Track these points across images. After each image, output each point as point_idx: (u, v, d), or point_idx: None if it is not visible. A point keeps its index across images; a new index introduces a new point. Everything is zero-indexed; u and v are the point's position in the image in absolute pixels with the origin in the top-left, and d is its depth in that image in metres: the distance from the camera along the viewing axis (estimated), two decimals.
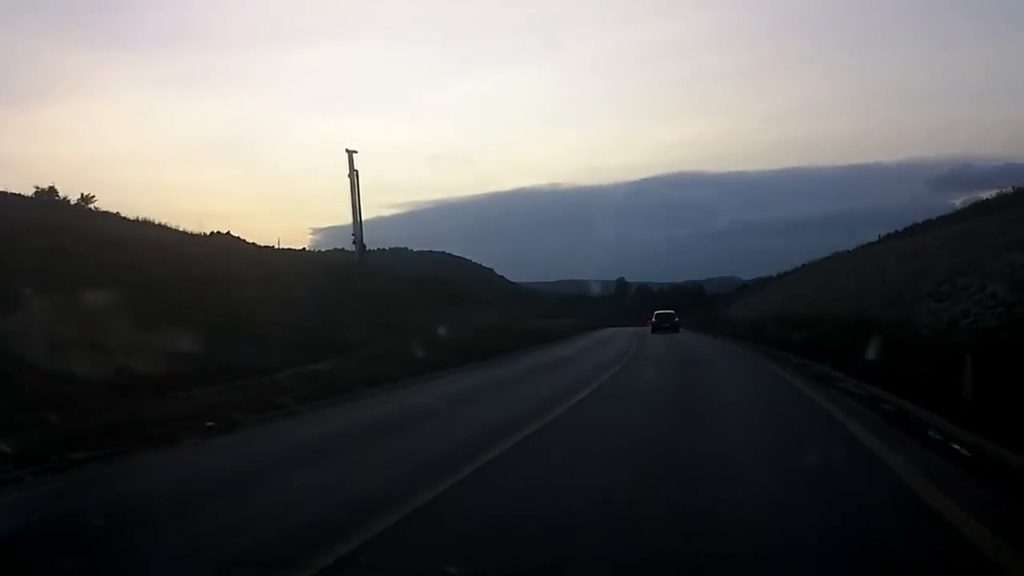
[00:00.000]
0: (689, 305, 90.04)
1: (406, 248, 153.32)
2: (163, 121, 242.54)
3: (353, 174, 60.26)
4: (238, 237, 61.24)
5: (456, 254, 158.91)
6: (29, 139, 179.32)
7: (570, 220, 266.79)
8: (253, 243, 62.43)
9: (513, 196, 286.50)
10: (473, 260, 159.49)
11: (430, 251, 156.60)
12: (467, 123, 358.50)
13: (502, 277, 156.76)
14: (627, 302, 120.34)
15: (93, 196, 51.78)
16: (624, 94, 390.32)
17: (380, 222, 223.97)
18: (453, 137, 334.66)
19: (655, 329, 58.90)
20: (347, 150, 60.27)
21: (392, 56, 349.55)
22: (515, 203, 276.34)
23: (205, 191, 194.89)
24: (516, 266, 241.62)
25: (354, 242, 60.89)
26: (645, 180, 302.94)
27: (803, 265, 56.89)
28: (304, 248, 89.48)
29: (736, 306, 62.78)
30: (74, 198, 50.79)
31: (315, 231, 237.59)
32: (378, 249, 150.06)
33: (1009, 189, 45.28)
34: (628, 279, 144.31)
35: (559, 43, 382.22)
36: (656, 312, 62.82)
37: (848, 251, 55.81)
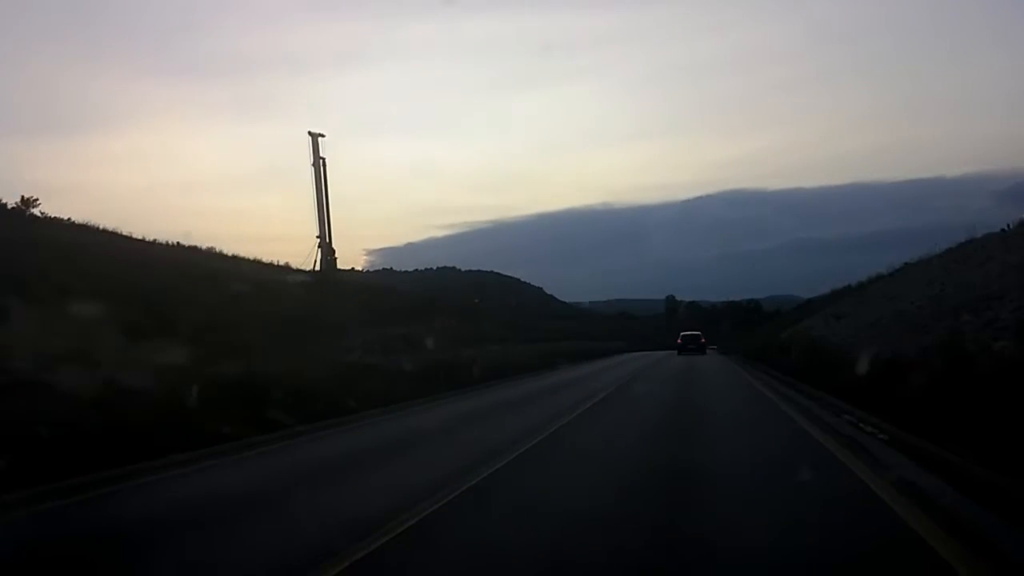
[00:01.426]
0: (744, 324, 74.38)
1: (454, 268, 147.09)
2: (217, 147, 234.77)
3: (319, 162, 46.26)
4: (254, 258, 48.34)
5: (505, 274, 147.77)
6: (79, 167, 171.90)
7: (621, 239, 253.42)
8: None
9: (564, 216, 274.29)
10: (522, 279, 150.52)
11: (478, 270, 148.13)
12: (519, 144, 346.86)
13: (552, 296, 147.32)
14: (676, 321, 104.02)
15: (36, 199, 41.38)
16: (677, 111, 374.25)
17: (432, 243, 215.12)
18: (505, 158, 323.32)
19: (681, 350, 54.90)
20: (310, 132, 46.38)
21: (443, 78, 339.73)
22: (566, 223, 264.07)
23: (263, 215, 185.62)
24: (566, 286, 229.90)
25: (319, 246, 46.49)
26: (699, 198, 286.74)
27: (873, 279, 40.30)
28: (352, 268, 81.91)
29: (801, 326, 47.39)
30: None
31: (369, 252, 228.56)
32: (425, 269, 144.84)
33: None
34: (679, 297, 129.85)
35: (611, 61, 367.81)
36: (682, 333, 59.20)
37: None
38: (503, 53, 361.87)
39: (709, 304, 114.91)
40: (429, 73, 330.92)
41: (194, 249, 48.87)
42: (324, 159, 46.55)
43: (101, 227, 42.68)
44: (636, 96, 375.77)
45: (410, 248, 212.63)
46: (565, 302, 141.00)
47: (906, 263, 33.37)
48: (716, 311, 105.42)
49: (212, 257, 48.00)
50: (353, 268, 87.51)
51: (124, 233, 45.88)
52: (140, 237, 46.15)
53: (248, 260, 49.23)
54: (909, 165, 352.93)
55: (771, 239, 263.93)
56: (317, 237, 46.45)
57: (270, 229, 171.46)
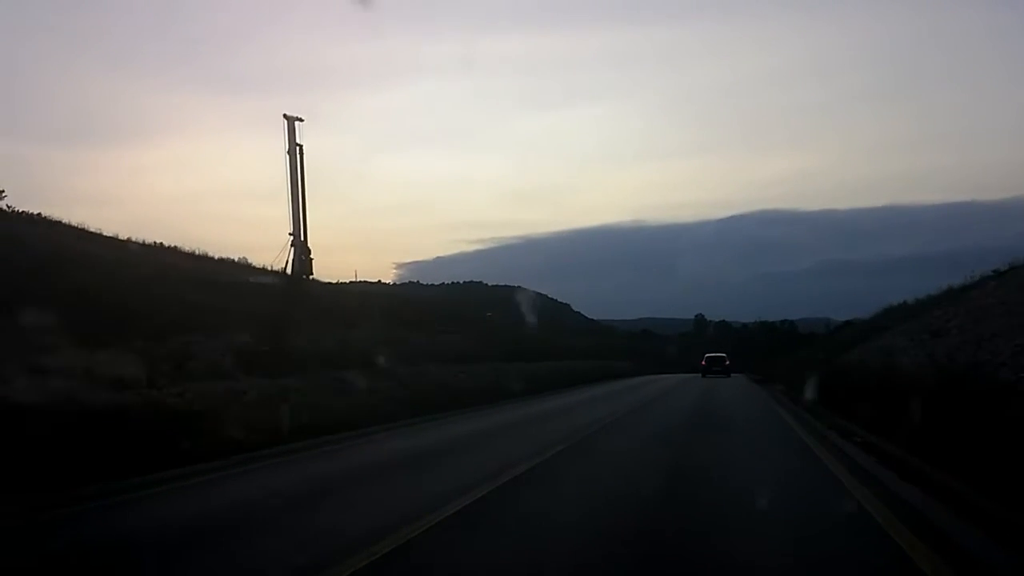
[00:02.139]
0: (777, 346, 66.21)
1: (481, 282, 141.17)
2: (253, 160, 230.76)
3: (295, 149, 39.23)
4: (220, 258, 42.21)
5: (533, 289, 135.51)
6: (125, 178, 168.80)
7: (652, 257, 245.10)
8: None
9: (595, 233, 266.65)
10: (549, 295, 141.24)
11: (505, 285, 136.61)
12: (551, 159, 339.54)
13: (579, 313, 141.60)
14: (705, 340, 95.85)
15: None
16: (712, 130, 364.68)
17: (462, 257, 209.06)
18: (537, 174, 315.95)
19: (705, 373, 52.16)
20: (285, 115, 39.29)
21: (476, 92, 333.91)
22: (597, 240, 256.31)
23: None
24: (595, 303, 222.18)
25: (291, 244, 39.33)
26: (731, 218, 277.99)
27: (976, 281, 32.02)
28: (379, 281, 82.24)
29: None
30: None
31: (398, 266, 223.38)
32: (451, 283, 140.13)
33: None
34: (708, 317, 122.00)
35: (646, 78, 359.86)
36: (707, 355, 55.66)
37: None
38: (537, 68, 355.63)
39: (740, 324, 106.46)
40: (463, 88, 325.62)
41: (163, 248, 42.36)
42: (301, 146, 39.44)
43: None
44: (671, 114, 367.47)
45: (439, 262, 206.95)
46: (592, 319, 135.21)
47: (1011, 265, 25.13)
48: (747, 332, 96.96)
49: (173, 254, 41.31)
50: (380, 280, 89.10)
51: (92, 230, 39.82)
52: (113, 236, 39.88)
53: (213, 259, 42.45)
54: (944, 188, 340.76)
55: (804, 260, 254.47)
56: (290, 234, 39.27)
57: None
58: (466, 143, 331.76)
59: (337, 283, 58.05)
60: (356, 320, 40.74)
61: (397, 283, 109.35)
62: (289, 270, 39.21)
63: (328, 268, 79.06)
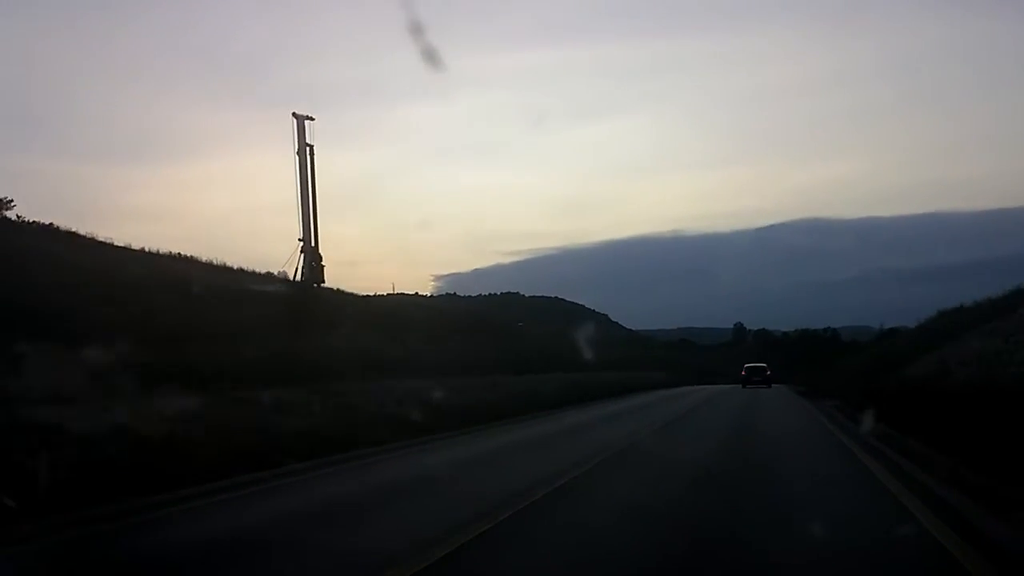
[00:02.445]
0: (820, 355, 62.35)
1: (518, 293, 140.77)
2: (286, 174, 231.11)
3: (304, 150, 36.85)
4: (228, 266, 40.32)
5: (570, 299, 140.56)
6: (171, 194, 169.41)
7: (691, 267, 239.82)
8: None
9: (633, 243, 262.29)
10: (587, 306, 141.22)
11: (542, 296, 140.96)
12: (589, 171, 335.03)
13: (617, 323, 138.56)
14: (744, 349, 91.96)
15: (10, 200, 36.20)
16: (751, 138, 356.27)
17: (499, 269, 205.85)
18: (575, 185, 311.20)
19: (745, 383, 50.02)
20: (295, 114, 36.94)
21: (513, 104, 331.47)
22: (635, 250, 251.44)
23: (336, 239, 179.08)
24: (633, 313, 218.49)
25: (301, 251, 36.84)
26: (771, 227, 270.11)
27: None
28: (416, 293, 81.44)
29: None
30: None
31: (437, 278, 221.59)
32: (488, 294, 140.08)
33: None
34: (748, 326, 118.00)
35: (684, 86, 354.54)
36: (746, 365, 53.96)
37: None
38: (573, 79, 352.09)
39: (780, 333, 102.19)
40: (500, 101, 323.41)
41: (167, 256, 40.14)
42: (311, 146, 37.06)
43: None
44: (708, 123, 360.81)
45: (476, 274, 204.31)
46: (630, 329, 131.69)
47: None
48: (788, 340, 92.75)
49: (177, 261, 39.03)
50: (417, 292, 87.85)
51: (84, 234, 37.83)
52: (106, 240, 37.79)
53: (222, 267, 40.10)
54: (991, 194, 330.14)
55: (846, 269, 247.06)
56: (299, 240, 36.86)
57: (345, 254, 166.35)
58: (504, 155, 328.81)
59: (374, 295, 58.90)
60: (395, 330, 38.32)
61: (434, 295, 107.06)
62: (298, 277, 36.80)
63: (366, 280, 79.92)
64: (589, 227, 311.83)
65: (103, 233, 38.73)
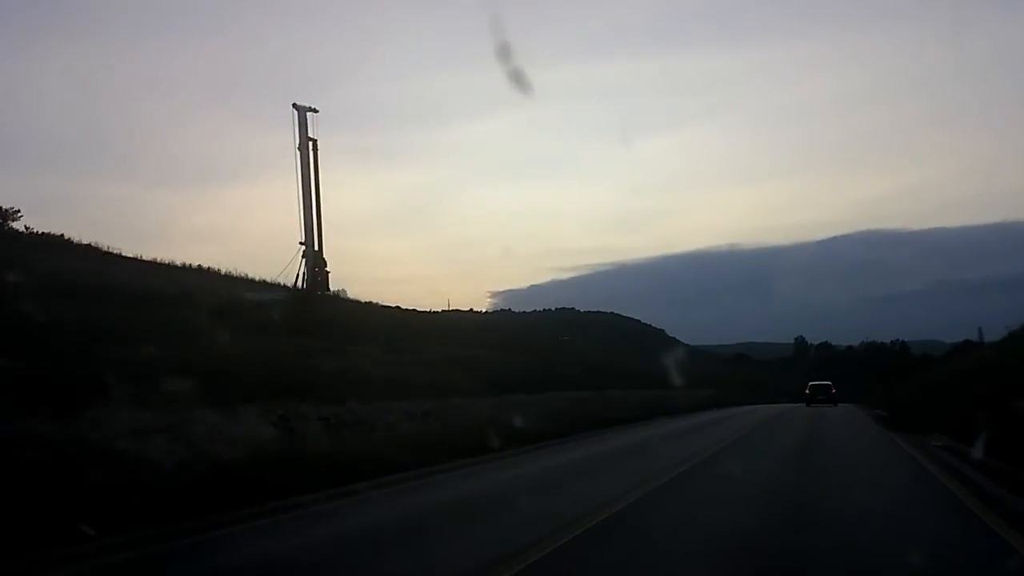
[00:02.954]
0: (892, 370, 56.02)
1: (573, 308, 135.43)
2: (352, 194, 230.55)
3: (306, 145, 32.55)
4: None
5: (626, 315, 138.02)
6: (221, 214, 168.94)
7: (749, 281, 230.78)
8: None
9: (690, 258, 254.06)
10: (643, 321, 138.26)
11: (598, 312, 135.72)
12: (645, 184, 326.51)
13: (674, 338, 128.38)
14: (806, 364, 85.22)
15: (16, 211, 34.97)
16: (809, 149, 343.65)
17: (555, 285, 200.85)
18: (630, 199, 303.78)
19: (810, 402, 47.43)
20: (295, 105, 32.64)
21: (566, 120, 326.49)
22: (692, 265, 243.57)
23: (386, 258, 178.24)
24: (691, 328, 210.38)
25: (303, 256, 32.40)
26: (831, 239, 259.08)
27: None
28: (471, 309, 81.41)
29: None
30: None
31: (493, 294, 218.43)
32: (543, 310, 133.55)
33: None
34: (809, 340, 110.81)
35: (740, 98, 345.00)
36: (811, 383, 50.99)
37: None
38: (629, 92, 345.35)
39: (844, 347, 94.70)
40: (552, 116, 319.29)
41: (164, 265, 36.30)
42: (315, 140, 32.72)
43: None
44: (766, 134, 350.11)
45: (533, 290, 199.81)
46: (688, 344, 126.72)
47: None
48: (852, 354, 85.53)
49: (177, 270, 35.05)
50: (472, 309, 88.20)
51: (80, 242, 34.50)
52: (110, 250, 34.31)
53: (222, 275, 35.94)
54: None
55: (910, 281, 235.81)
56: (300, 244, 32.47)
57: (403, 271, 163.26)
58: (559, 170, 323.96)
59: (431, 311, 60.17)
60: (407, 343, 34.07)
61: (490, 311, 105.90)
62: (301, 284, 32.44)
63: (424, 296, 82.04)
64: (645, 242, 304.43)
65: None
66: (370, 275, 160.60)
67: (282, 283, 34.23)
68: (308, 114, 32.84)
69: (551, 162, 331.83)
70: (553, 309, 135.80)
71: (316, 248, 32.49)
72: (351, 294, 49.48)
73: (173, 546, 8.58)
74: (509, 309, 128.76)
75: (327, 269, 32.65)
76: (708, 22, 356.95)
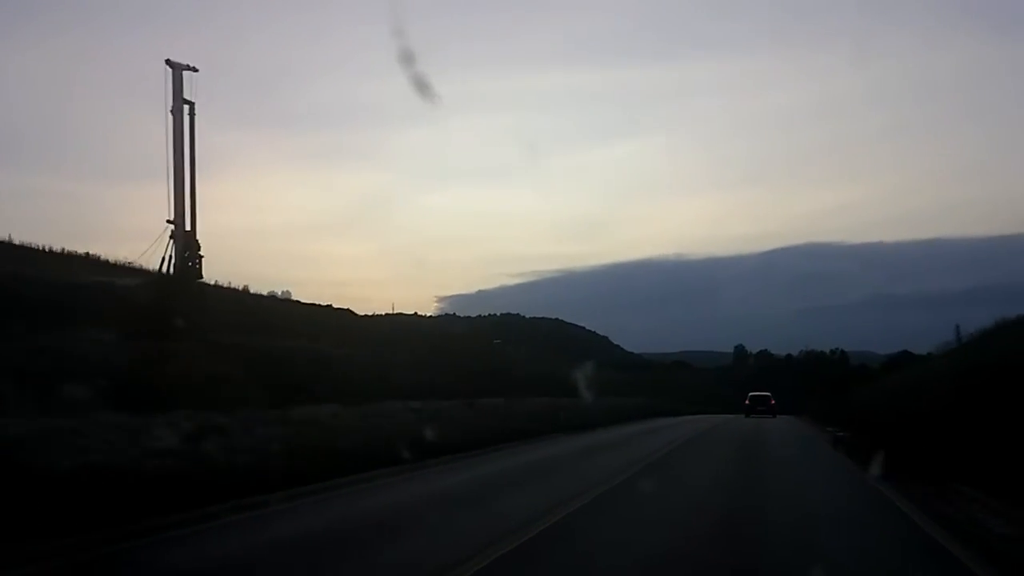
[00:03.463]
0: (831, 381, 52.65)
1: (518, 314, 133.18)
2: (301, 195, 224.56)
3: (180, 109, 27.73)
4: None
5: (570, 321, 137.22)
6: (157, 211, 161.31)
7: (694, 291, 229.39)
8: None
9: (636, 266, 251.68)
10: (588, 328, 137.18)
11: (543, 318, 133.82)
12: (592, 194, 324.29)
13: (618, 346, 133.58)
14: (745, 372, 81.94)
15: None
16: (755, 163, 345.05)
17: (503, 291, 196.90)
18: (578, 208, 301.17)
19: (749, 412, 46.18)
20: (168, 61, 27.75)
21: (515, 128, 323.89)
22: (638, 273, 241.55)
23: (336, 261, 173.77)
24: (635, 336, 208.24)
25: (171, 236, 27.52)
26: (774, 251, 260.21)
27: None
28: (415, 313, 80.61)
29: None
30: None
31: (440, 299, 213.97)
32: (488, 315, 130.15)
33: None
34: (750, 349, 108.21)
35: (689, 111, 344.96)
36: (750, 394, 49.49)
37: None
38: (579, 103, 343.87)
39: (783, 355, 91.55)
40: (502, 122, 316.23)
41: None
42: (192, 104, 27.86)
43: None
44: (714, 147, 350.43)
45: (481, 295, 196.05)
46: (631, 352, 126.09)
47: None
48: (792, 363, 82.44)
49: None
50: (416, 313, 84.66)
51: None
52: None
53: (81, 257, 30.77)
54: (993, 221, 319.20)
55: (849, 294, 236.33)
56: (169, 222, 27.49)
57: (332, 274, 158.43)
58: (510, 178, 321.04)
59: (373, 315, 57.65)
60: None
61: (434, 315, 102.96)
62: (168, 269, 27.50)
63: (369, 301, 79.95)
64: (593, 250, 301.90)
65: None
66: (319, 278, 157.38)
67: (149, 268, 29.23)
68: (185, 73, 27.89)
69: (505, 169, 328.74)
70: (498, 314, 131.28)
71: (188, 228, 27.49)
72: (295, 295, 47.23)
73: None
74: (454, 314, 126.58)
75: (200, 253, 27.68)
76: (660, 35, 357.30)
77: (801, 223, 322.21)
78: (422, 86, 12.70)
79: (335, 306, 51.82)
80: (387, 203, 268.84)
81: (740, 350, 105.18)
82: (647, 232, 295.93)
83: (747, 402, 48.13)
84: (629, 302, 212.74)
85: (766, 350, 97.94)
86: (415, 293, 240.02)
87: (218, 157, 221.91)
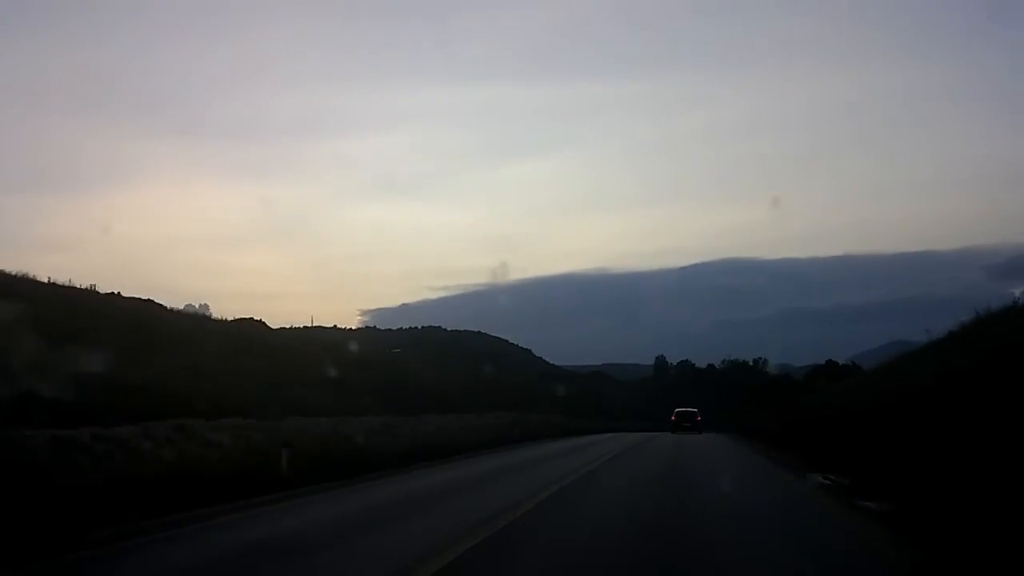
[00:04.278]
0: (757, 392, 48.83)
1: (439, 327, 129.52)
2: (223, 207, 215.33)
3: None
4: None
5: (493, 334, 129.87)
6: (84, 224, 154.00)
7: (616, 305, 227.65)
8: None
9: (559, 280, 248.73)
10: (510, 340, 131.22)
11: (464, 331, 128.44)
12: (516, 208, 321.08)
13: (540, 358, 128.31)
14: (668, 380, 77.82)
15: None
16: (676, 180, 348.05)
17: (427, 304, 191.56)
18: (505, 222, 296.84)
19: (675, 428, 43.99)
20: None
21: (440, 141, 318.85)
22: (561, 287, 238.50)
23: (253, 274, 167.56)
24: (558, 349, 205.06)
25: None
26: (694, 266, 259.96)
27: None
28: (334, 326, 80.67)
29: None
30: None
31: (363, 312, 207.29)
32: (408, 328, 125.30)
33: None
34: (670, 360, 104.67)
35: (610, 128, 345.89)
36: (677, 410, 47.44)
37: None
38: (502, 118, 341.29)
39: (705, 364, 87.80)
40: (425, 137, 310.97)
41: None
42: None
43: None
44: (635, 164, 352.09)
45: (404, 309, 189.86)
46: (554, 364, 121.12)
47: None
48: (714, 373, 78.82)
49: None
50: (335, 325, 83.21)
51: None
52: None
53: None
54: (900, 239, 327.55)
55: (765, 308, 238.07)
56: None
57: (260, 286, 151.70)
58: (432, 191, 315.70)
59: (291, 328, 55.41)
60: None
61: (354, 328, 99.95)
62: None
63: (289, 315, 79.34)
64: (518, 263, 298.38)
65: None
66: (241, 290, 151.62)
67: None
68: None
69: (425, 183, 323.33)
70: (419, 327, 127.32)
71: None
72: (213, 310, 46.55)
73: None
74: (375, 327, 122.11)
75: None
76: (584, 51, 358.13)
77: (720, 239, 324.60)
78: None
79: (254, 319, 48.34)
80: (313, 216, 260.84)
81: (661, 361, 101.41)
82: (570, 247, 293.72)
83: (673, 418, 46.74)
84: (552, 315, 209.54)
85: (687, 360, 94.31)
86: (339, 307, 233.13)
87: (130, 166, 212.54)
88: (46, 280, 31.28)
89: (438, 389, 49.55)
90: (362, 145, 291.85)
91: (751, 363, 75.04)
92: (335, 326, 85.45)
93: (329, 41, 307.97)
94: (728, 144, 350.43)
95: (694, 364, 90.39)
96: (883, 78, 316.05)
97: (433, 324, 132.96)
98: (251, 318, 47.37)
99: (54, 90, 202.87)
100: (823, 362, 53.08)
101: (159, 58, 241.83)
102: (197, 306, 47.85)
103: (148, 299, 38.98)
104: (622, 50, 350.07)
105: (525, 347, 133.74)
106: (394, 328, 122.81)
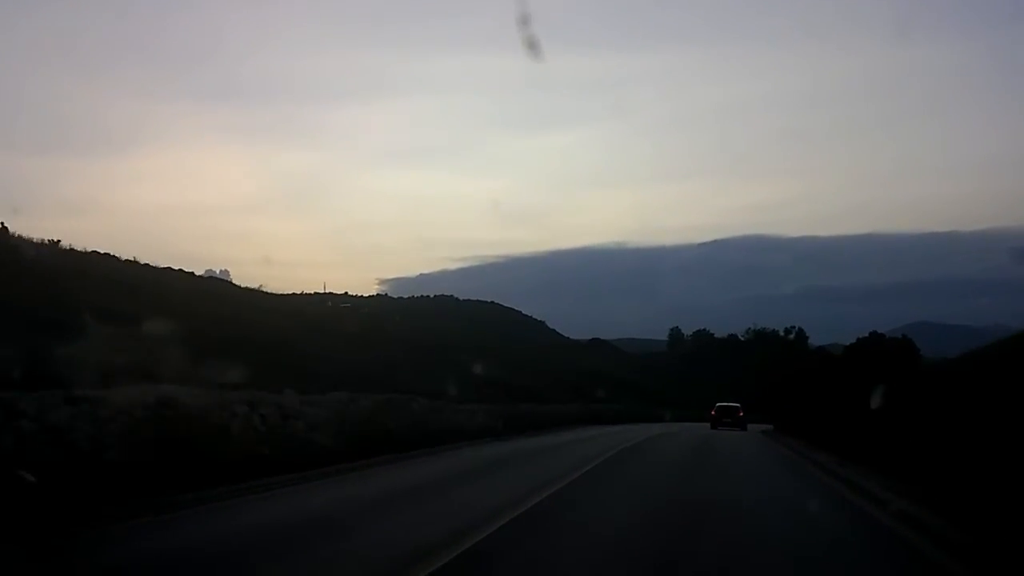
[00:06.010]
0: (800, 371, 36.52)
1: (452, 296, 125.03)
2: (231, 170, 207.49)
3: None
4: None
5: (506, 305, 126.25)
6: (102, 187, 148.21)
7: (634, 279, 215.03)
8: None
9: (577, 254, 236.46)
10: (524, 312, 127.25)
11: (477, 300, 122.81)
12: (536, 181, 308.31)
13: (554, 331, 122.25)
14: (684, 348, 64.84)
15: None
16: (697, 155, 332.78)
17: (445, 275, 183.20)
18: (522, 194, 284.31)
19: (715, 424, 39.41)
20: None
21: (462, 112, 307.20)
22: (579, 260, 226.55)
23: (275, 241, 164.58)
24: (573, 322, 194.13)
25: None
26: (714, 242, 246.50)
27: None
28: (345, 293, 77.54)
29: None
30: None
31: (382, 281, 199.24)
32: (421, 296, 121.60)
33: None
34: (686, 333, 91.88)
35: (634, 102, 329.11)
36: (718, 404, 42.57)
37: None
38: (527, 90, 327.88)
39: (725, 334, 74.24)
40: (449, 107, 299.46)
41: None
42: None
43: None
44: (657, 138, 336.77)
45: (422, 279, 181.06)
46: (568, 337, 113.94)
47: None
48: (735, 344, 65.58)
49: None
50: (347, 292, 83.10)
51: None
52: None
53: None
54: (925, 219, 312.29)
55: (785, 285, 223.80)
56: None
57: (281, 254, 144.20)
58: (456, 163, 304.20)
59: (302, 293, 55.39)
60: None
61: (365, 295, 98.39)
62: None
63: (305, 283, 70.51)
64: (537, 236, 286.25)
65: None
66: (262, 257, 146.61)
67: None
68: None
69: (442, 153, 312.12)
70: (431, 296, 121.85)
71: None
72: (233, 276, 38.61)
73: None
74: (386, 294, 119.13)
75: None
76: (608, 24, 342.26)
77: (741, 215, 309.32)
78: (532, 45, 11.31)
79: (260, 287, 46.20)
80: (336, 185, 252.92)
81: (675, 332, 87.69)
82: (591, 220, 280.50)
83: (713, 413, 43.14)
84: (569, 288, 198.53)
85: (704, 329, 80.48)
86: (358, 275, 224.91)
87: (144, 130, 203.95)
88: None
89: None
90: (380, 113, 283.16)
91: (781, 333, 61.38)
92: (346, 293, 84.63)
93: (351, 7, 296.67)
94: (751, 120, 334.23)
95: (713, 334, 77.01)
96: (910, 56, 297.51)
97: (439, 293, 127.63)
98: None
99: (75, 55, 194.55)
100: (854, 340, 40.54)
101: (178, 23, 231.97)
102: (218, 272, 44.42)
103: None
104: (646, 23, 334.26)
105: (539, 319, 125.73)
106: (407, 296, 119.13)
